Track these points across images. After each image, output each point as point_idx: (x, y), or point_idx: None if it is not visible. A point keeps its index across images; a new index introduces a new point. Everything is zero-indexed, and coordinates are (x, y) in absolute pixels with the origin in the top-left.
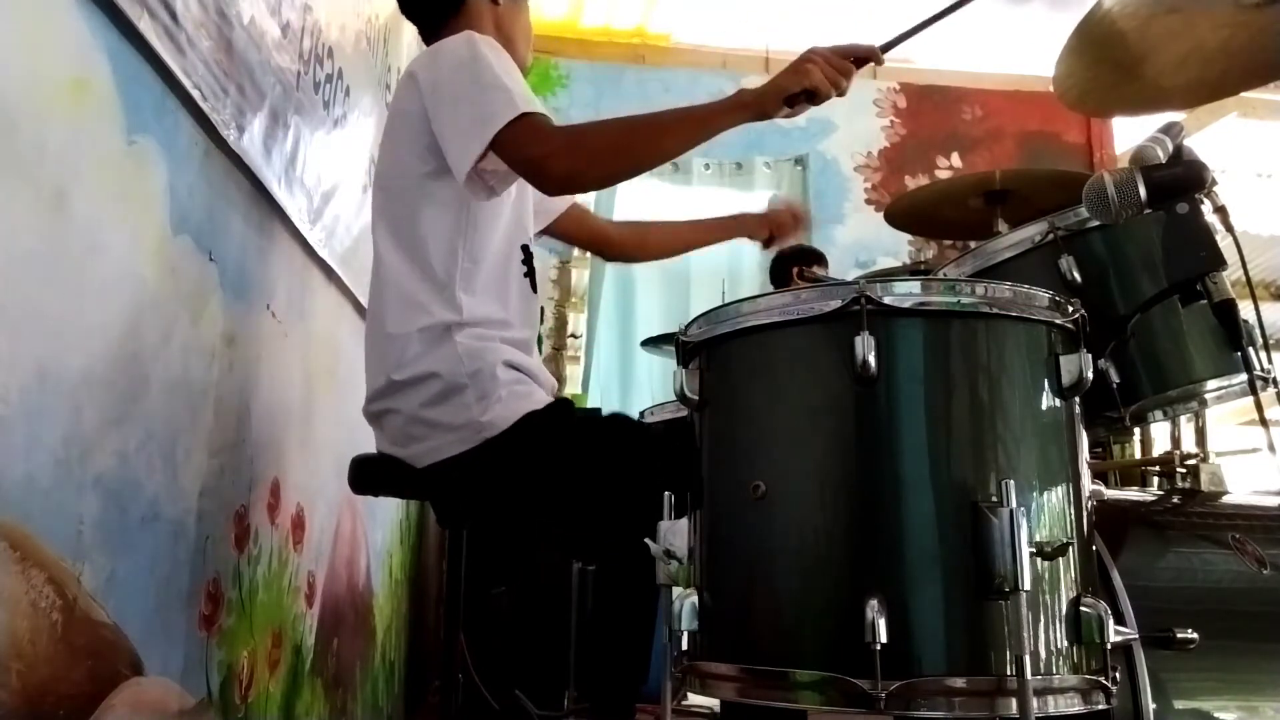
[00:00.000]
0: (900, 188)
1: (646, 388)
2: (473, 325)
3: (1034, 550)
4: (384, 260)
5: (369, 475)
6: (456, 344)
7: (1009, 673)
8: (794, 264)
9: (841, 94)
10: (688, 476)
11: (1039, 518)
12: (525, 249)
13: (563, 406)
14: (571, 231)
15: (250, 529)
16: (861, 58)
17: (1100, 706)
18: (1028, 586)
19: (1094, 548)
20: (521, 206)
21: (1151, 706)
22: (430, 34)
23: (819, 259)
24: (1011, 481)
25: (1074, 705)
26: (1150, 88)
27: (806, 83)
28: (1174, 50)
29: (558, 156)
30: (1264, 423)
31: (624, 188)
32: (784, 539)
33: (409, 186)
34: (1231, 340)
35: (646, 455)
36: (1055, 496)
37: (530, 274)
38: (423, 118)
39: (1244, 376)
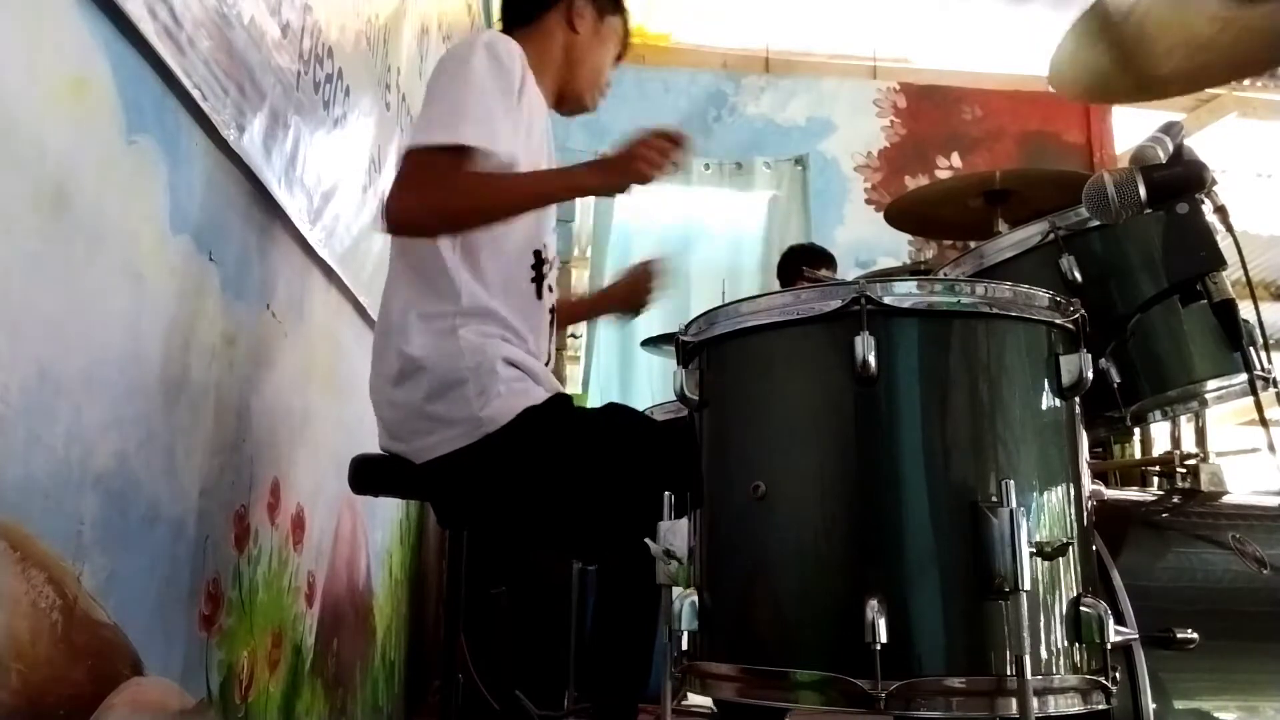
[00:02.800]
0: (900, 188)
1: (646, 388)
2: (475, 321)
3: (1034, 550)
4: (397, 246)
5: (369, 475)
6: (459, 338)
7: (1009, 673)
8: (802, 263)
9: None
10: (688, 476)
11: (1039, 518)
12: (538, 254)
13: (561, 401)
14: None
15: (250, 529)
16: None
17: (1100, 706)
18: (1028, 586)
19: (1094, 548)
20: (543, 209)
21: (1151, 706)
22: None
23: (828, 259)
24: (1011, 481)
25: (1074, 705)
26: (1142, 77)
27: (641, 180)
28: (1166, 40)
29: (415, 210)
30: (1264, 423)
31: None
32: (784, 539)
33: None
34: (1231, 340)
35: (647, 447)
36: (1055, 496)
37: (538, 280)
38: None
39: (1244, 376)
